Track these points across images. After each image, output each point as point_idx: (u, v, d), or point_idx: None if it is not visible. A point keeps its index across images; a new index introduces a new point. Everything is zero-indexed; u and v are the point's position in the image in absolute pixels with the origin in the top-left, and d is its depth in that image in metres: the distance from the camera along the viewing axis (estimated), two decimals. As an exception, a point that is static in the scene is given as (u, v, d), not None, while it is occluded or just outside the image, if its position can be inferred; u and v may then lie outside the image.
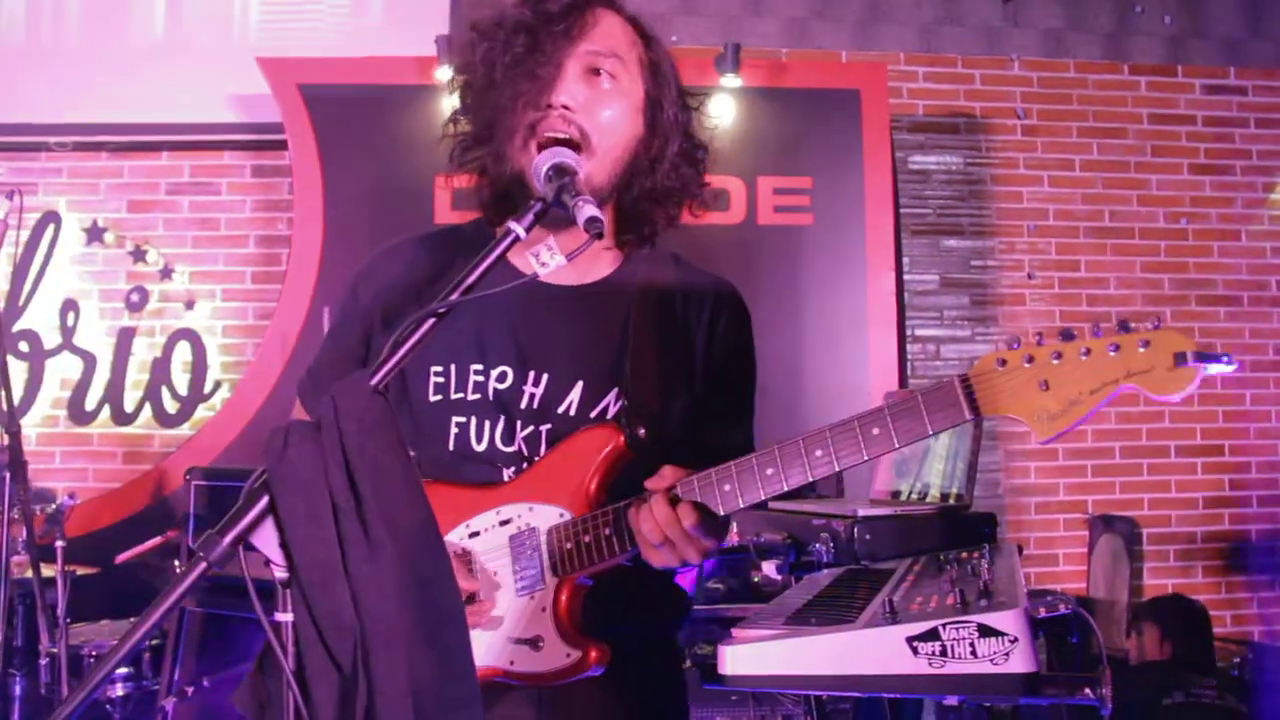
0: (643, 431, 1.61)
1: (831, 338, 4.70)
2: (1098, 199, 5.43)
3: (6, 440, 2.97)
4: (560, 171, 1.46)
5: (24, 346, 5.03)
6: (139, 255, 5.03)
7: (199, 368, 4.94)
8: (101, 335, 5.02)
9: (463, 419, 1.66)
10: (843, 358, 4.70)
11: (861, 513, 2.51)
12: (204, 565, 1.22)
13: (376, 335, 1.71)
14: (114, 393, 4.98)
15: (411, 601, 1.26)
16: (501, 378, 1.65)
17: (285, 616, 1.25)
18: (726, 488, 1.46)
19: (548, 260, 1.31)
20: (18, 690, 3.45)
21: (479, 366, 1.66)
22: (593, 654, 1.54)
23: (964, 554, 2.05)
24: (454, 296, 1.29)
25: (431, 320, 1.27)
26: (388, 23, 5.06)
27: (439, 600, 1.30)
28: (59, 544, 3.11)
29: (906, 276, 5.13)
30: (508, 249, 1.35)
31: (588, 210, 1.37)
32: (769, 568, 2.67)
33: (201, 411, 4.93)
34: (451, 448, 1.66)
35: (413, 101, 4.66)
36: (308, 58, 4.82)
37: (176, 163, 5.12)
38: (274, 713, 1.57)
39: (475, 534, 1.62)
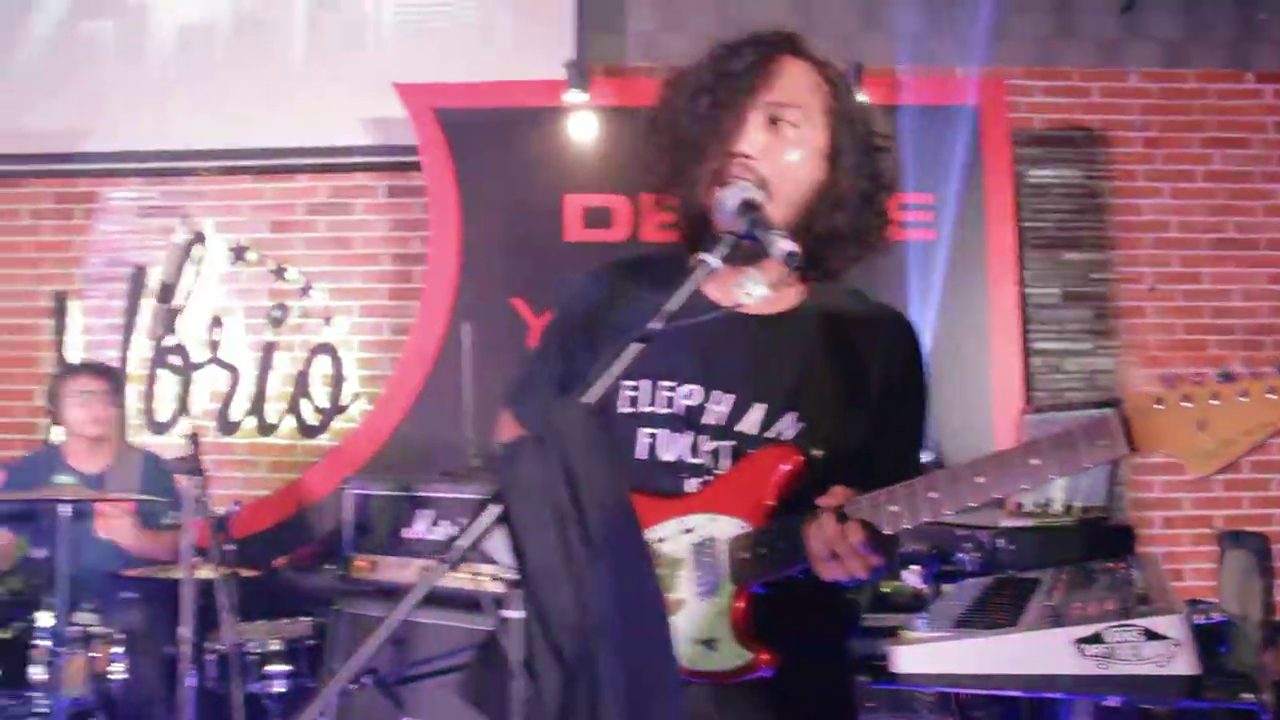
0: (819, 453, 1.71)
1: (954, 352, 4.75)
2: (1221, 210, 5.39)
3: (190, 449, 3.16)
4: (748, 206, 1.59)
5: (175, 360, 5.31)
6: (280, 273, 5.27)
7: (338, 381, 5.16)
8: (246, 349, 5.27)
9: (652, 432, 1.78)
10: (966, 372, 4.75)
11: (1005, 523, 2.58)
12: (446, 567, 1.35)
13: (577, 353, 1.85)
14: (258, 404, 5.22)
15: (624, 601, 1.39)
16: (689, 395, 1.77)
17: (515, 613, 1.38)
18: (893, 509, 1.54)
19: (752, 291, 1.43)
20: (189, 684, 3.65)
21: (669, 384, 1.77)
22: (764, 657, 1.63)
23: (1109, 564, 2.11)
24: (659, 324, 1.43)
25: (640, 345, 1.41)
26: (515, 46, 5.22)
27: (647, 600, 1.43)
28: (227, 548, 3.30)
29: (1027, 290, 5.15)
30: (704, 279, 1.48)
31: (785, 245, 1.49)
32: (911, 576, 2.75)
33: (340, 423, 5.15)
34: (640, 457, 1.78)
35: (543, 122, 4.85)
36: (443, 83, 5.02)
37: (315, 184, 5.35)
38: (493, 702, 1.72)
39: (661, 540, 1.74)
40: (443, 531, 3.68)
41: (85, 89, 5.52)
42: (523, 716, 1.39)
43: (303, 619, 4.20)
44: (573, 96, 4.77)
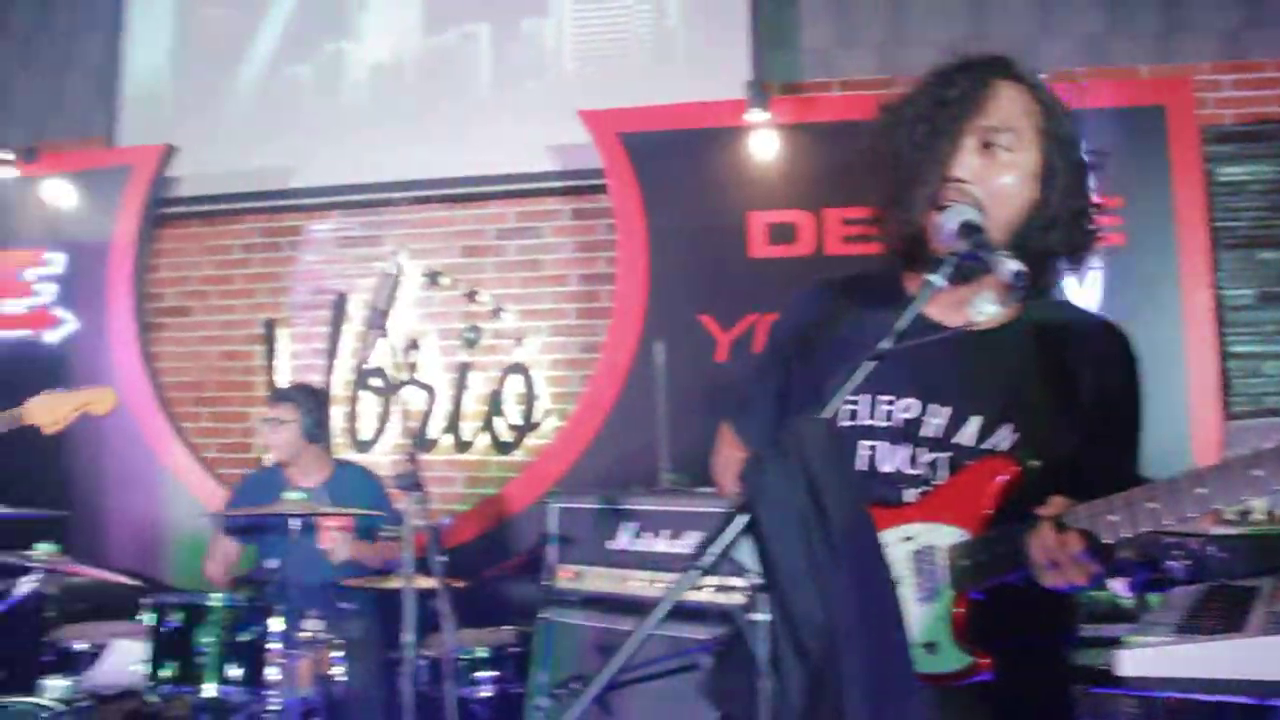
0: (1035, 463, 1.75)
1: (1147, 358, 4.62)
2: None
3: (410, 465, 3.35)
4: (970, 229, 1.66)
5: (376, 382, 5.60)
6: (472, 296, 5.50)
7: (530, 399, 5.35)
8: (441, 370, 5.52)
9: (871, 444, 1.85)
10: (1160, 379, 4.61)
11: (1215, 531, 2.56)
12: (698, 573, 1.45)
13: (796, 369, 1.94)
14: (454, 423, 5.46)
15: (864, 605, 1.47)
16: (907, 409, 1.83)
17: (761, 616, 1.48)
18: (1112, 518, 1.57)
19: (984, 310, 1.51)
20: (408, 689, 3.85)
21: (888, 398, 1.84)
22: (984, 661, 1.68)
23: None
24: (889, 343, 1.52)
25: (873, 364, 1.50)
26: (692, 66, 5.33)
27: (884, 604, 1.51)
28: (440, 559, 3.48)
29: (1221, 292, 5.01)
30: (928, 299, 1.57)
31: (1013, 265, 1.57)
32: (1118, 585, 2.74)
33: (532, 439, 5.34)
34: (860, 469, 1.85)
35: (724, 142, 4.96)
36: (625, 108, 5.18)
37: (503, 210, 5.56)
38: (736, 702, 1.83)
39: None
40: (645, 543, 3.80)
41: (288, 130, 5.88)
42: (768, 714, 1.48)
43: (506, 628, 4.40)
44: (753, 115, 4.86)
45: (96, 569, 4.44)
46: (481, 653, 4.09)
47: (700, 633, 3.29)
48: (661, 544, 3.77)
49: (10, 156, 5.98)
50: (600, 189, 5.29)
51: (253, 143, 5.92)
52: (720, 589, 3.37)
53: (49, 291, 6.13)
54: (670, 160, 5.06)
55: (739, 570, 1.50)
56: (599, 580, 3.90)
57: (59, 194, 6.05)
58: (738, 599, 3.39)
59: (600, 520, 3.93)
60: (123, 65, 6.16)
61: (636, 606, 3.81)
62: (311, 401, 4.61)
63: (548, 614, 4.00)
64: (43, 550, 4.16)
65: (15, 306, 6.18)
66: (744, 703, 1.73)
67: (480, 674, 4.08)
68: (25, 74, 6.39)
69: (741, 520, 1.47)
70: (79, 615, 4.90)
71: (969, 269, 1.64)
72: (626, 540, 3.86)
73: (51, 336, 6.10)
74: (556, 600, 4.02)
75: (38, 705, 3.70)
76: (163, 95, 6.16)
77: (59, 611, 4.72)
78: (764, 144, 4.93)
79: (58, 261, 6.13)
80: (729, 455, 2.08)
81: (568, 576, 3.98)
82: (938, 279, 1.59)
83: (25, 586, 4.17)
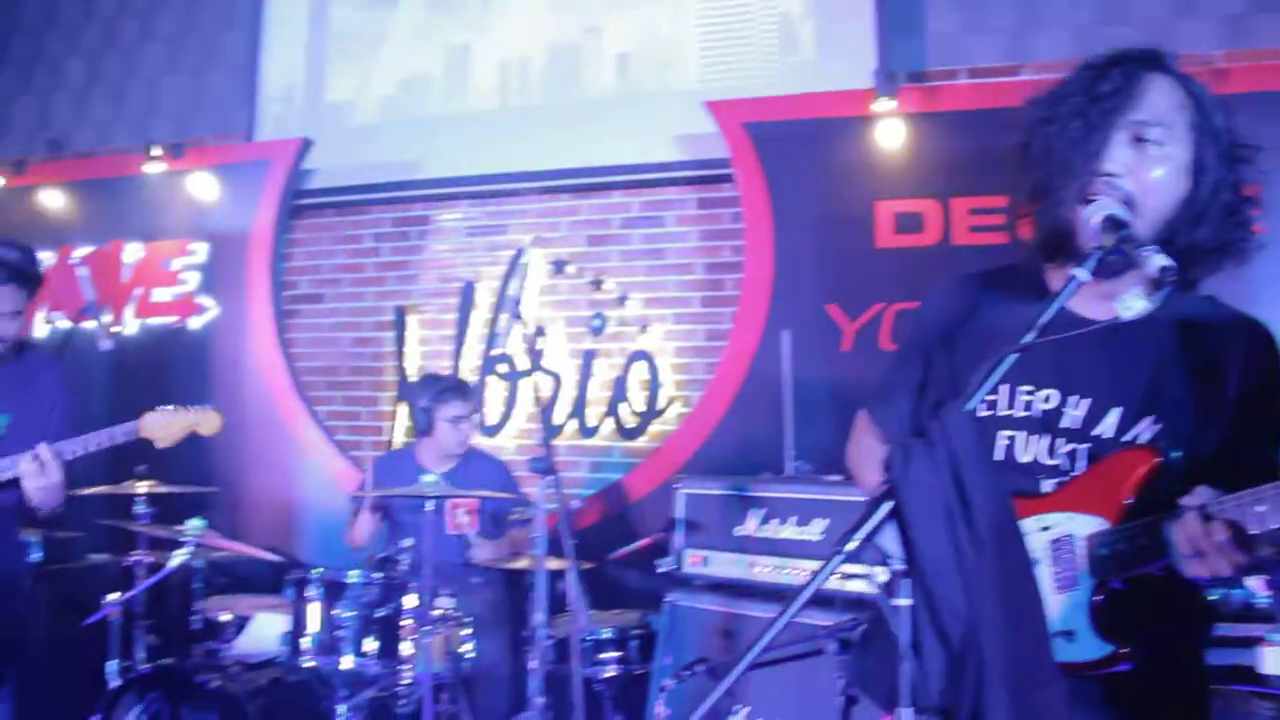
0: (1177, 454, 1.75)
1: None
2: None
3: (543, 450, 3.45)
4: (1115, 224, 1.66)
5: (502, 369, 5.72)
6: (597, 285, 5.58)
7: (654, 386, 5.40)
8: (566, 357, 5.61)
9: (1010, 434, 1.86)
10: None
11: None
12: (839, 559, 1.49)
13: (937, 360, 1.95)
14: (579, 409, 5.55)
15: (1007, 592, 1.50)
16: (1047, 399, 1.84)
17: (903, 601, 1.51)
18: (1260, 509, 1.55)
19: (1132, 305, 1.52)
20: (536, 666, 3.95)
21: (1028, 388, 1.85)
22: (1122, 651, 1.68)
23: None
24: (1033, 336, 1.54)
25: (1016, 356, 1.52)
26: (816, 56, 5.33)
27: (1025, 591, 1.53)
28: (570, 542, 3.56)
29: (1377, 280, 4.82)
30: (1073, 293, 1.58)
31: (1160, 260, 1.57)
32: (1257, 583, 2.70)
33: (656, 426, 5.39)
34: (998, 459, 1.86)
35: (851, 132, 4.93)
36: (751, 98, 5.18)
37: (627, 199, 5.61)
38: (877, 684, 1.87)
39: None
40: (772, 530, 3.84)
41: (418, 123, 6.03)
42: (910, 696, 1.51)
43: (631, 611, 4.48)
44: (880, 105, 4.84)
45: (240, 544, 4.64)
46: (607, 634, 4.16)
47: (825, 619, 3.31)
48: (789, 530, 3.80)
49: (159, 153, 6.26)
50: (725, 178, 5.31)
51: (384, 136, 6.09)
52: (847, 576, 3.38)
53: (193, 280, 6.40)
54: (796, 150, 5.05)
55: (881, 557, 1.54)
56: (725, 565, 3.95)
57: (203, 187, 6.31)
58: (862, 586, 3.41)
59: (727, 506, 3.98)
60: (261, 63, 6.38)
61: (762, 592, 3.86)
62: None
63: (673, 597, 4.06)
64: (192, 525, 4.37)
65: (163, 295, 6.46)
66: (884, 686, 1.77)
67: (605, 655, 4.16)
68: (172, 74, 6.66)
69: (886, 508, 1.50)
70: (223, 588, 5.13)
71: (1115, 264, 1.64)
72: (753, 526, 3.90)
73: (195, 323, 6.36)
74: (682, 584, 4.08)
75: (193, 668, 3.89)
76: (299, 91, 6.37)
77: (206, 584, 4.94)
78: (890, 133, 4.89)
79: (201, 251, 6.39)
80: (867, 444, 2.11)
81: (694, 561, 4.03)
82: (1083, 273, 1.60)
83: (177, 559, 4.39)
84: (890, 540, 1.52)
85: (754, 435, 4.83)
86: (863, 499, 2.14)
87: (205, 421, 3.37)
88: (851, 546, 1.49)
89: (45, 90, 7.13)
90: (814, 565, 3.64)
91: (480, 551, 4.49)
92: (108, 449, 3.28)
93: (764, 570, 3.84)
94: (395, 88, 6.14)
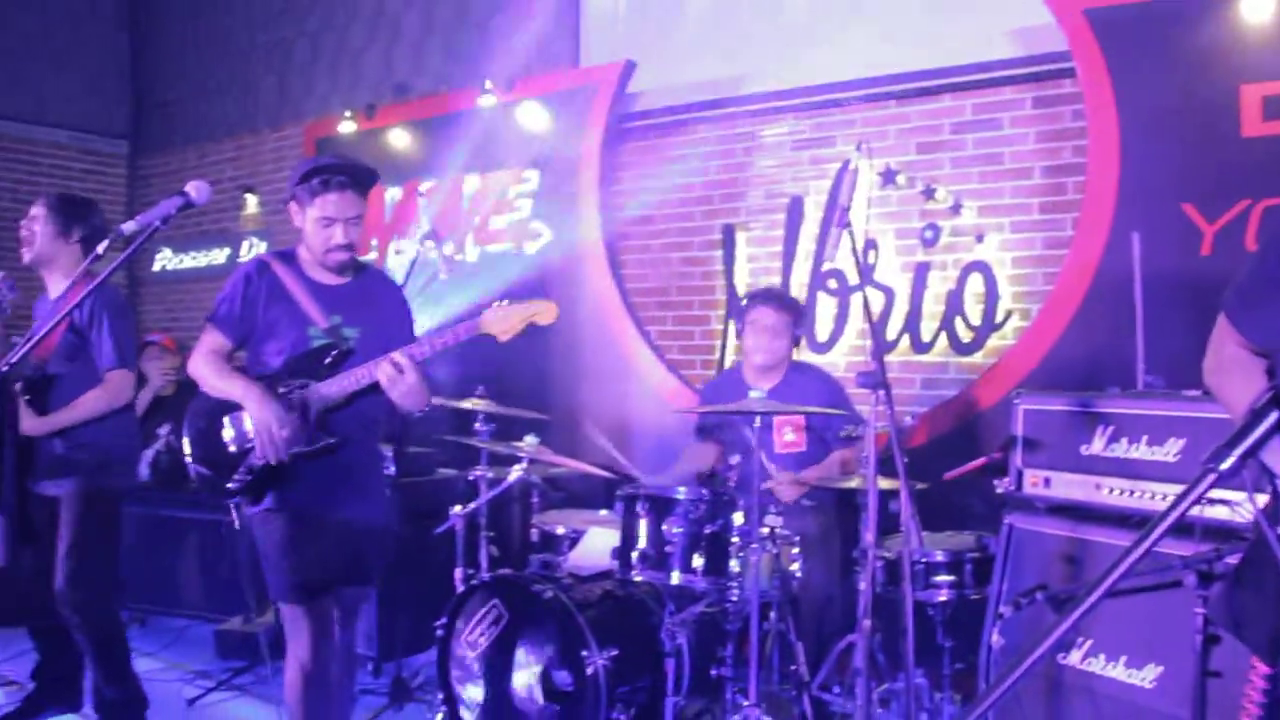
0: None
1: None
2: None
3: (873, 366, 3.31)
4: None
5: (832, 284, 5.60)
6: (929, 194, 5.34)
7: (990, 298, 5.13)
8: (898, 271, 5.42)
9: None
10: None
11: None
12: (1213, 477, 1.31)
13: None
14: (912, 324, 5.36)
15: None
16: None
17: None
18: None
19: None
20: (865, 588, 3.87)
21: None
22: None
23: None
24: None
25: None
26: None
27: None
28: (903, 461, 3.42)
29: None
30: None
31: None
32: None
33: (993, 340, 5.13)
34: None
35: (1207, 9, 4.42)
36: (1090, -16, 4.76)
37: (959, 103, 5.31)
38: (1254, 627, 1.67)
39: None
40: (1122, 449, 3.56)
41: (739, 38, 5.95)
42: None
43: (966, 533, 4.29)
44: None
45: (573, 460, 4.80)
46: (940, 556, 4.01)
47: (1182, 548, 3.04)
48: (1140, 450, 3.51)
49: (490, 87, 6.52)
50: (1063, 73, 4.93)
51: (705, 53, 6.05)
52: (1208, 501, 3.08)
53: (526, 208, 6.65)
54: (1143, 34, 4.59)
55: (1262, 478, 1.35)
56: (1069, 487, 3.69)
57: (533, 117, 6.52)
58: (1224, 513, 3.11)
59: (1072, 423, 3.71)
60: (583, -10, 6.50)
61: (1109, 516, 3.59)
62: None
63: (1012, 520, 3.85)
64: (528, 442, 4.56)
65: (499, 222, 6.77)
66: (1262, 630, 1.57)
67: (938, 578, 4.01)
68: (500, 13, 6.90)
69: (1272, 418, 1.31)
70: (558, 503, 5.35)
71: None
72: (1100, 445, 3.62)
73: (530, 248, 6.62)
74: (1022, 506, 3.87)
75: (528, 579, 4.06)
76: (620, 15, 6.42)
77: (543, 499, 5.17)
78: (1258, 6, 4.33)
79: (533, 179, 6.62)
80: (1229, 354, 1.88)
81: (1035, 482, 3.80)
82: None
83: (515, 474, 4.60)
84: (1276, 457, 1.33)
85: (1100, 348, 4.49)
86: (1225, 416, 1.91)
87: (543, 311, 3.33)
88: (1228, 465, 1.32)
89: (388, 41, 7.62)
90: (1167, 489, 3.39)
91: (784, 491, 4.40)
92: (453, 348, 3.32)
93: (1111, 493, 3.56)
94: (714, 3, 6.06)
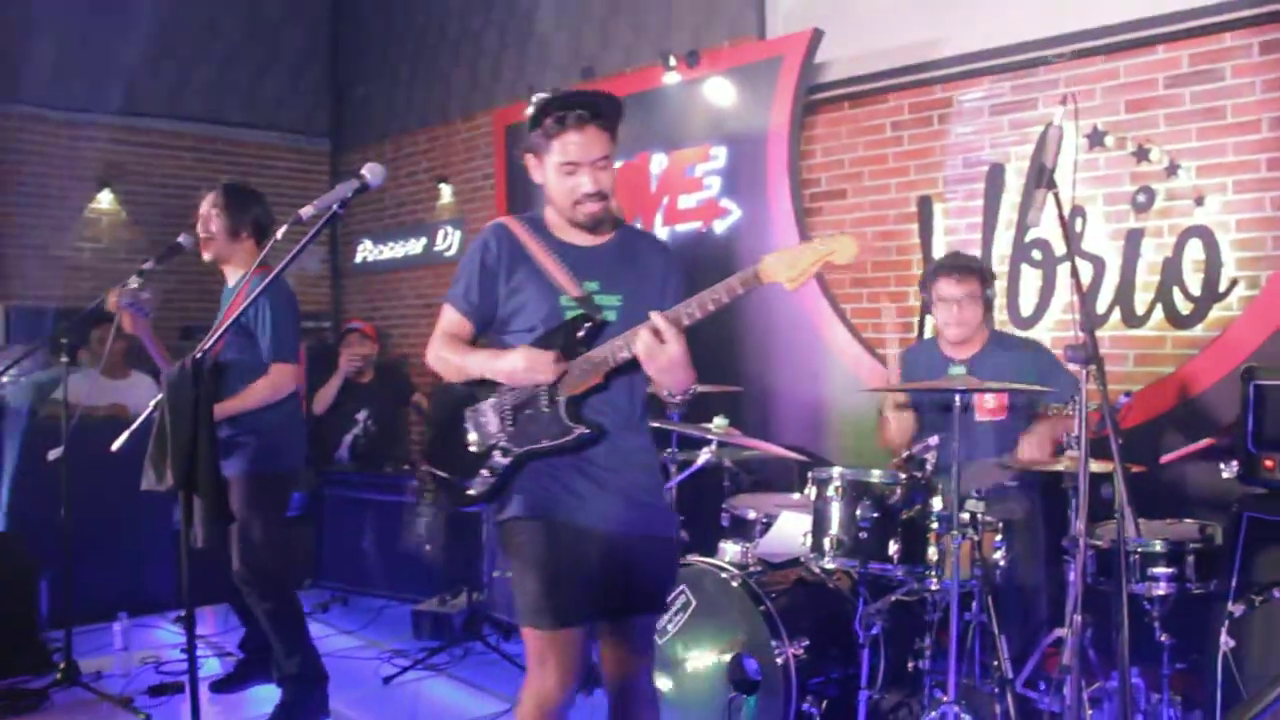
0: None
1: None
2: None
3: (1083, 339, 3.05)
4: None
5: (1036, 255, 5.29)
6: (1141, 155, 4.97)
7: (1212, 265, 4.73)
8: (1108, 239, 5.07)
9: None
10: None
11: None
12: None
13: None
14: (1124, 295, 5.00)
15: None
16: None
17: None
18: None
19: None
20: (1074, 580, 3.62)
21: None
22: None
23: None
24: None
25: None
26: None
27: None
28: (1117, 442, 3.15)
29: None
30: None
31: None
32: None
33: (1216, 312, 4.73)
34: None
35: None
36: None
37: (1173, 54, 4.90)
38: None
39: None
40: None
41: (931, 2, 5.67)
42: None
43: (1188, 521, 3.98)
44: None
45: (764, 443, 4.68)
46: (1158, 546, 3.71)
47: None
48: None
49: (675, 63, 6.44)
50: (1291, 15, 4.50)
51: (895, 18, 5.81)
52: None
53: (715, 185, 6.54)
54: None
55: None
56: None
57: (718, 92, 6.41)
58: None
59: (1310, 402, 3.39)
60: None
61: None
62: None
63: (1241, 507, 3.54)
64: (717, 424, 4.46)
65: (687, 201, 6.68)
66: None
67: (1156, 570, 3.71)
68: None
69: None
70: (749, 487, 5.23)
71: None
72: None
73: (719, 226, 6.51)
74: (1253, 492, 3.54)
75: (717, 566, 3.98)
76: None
77: (734, 482, 5.06)
78: None
79: (721, 156, 6.51)
80: None
81: (1270, 466, 3.48)
82: None
83: (704, 456, 4.51)
84: None
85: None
86: None
87: (840, 249, 2.72)
88: None
89: (575, 24, 7.62)
90: None
91: (1025, 450, 4.13)
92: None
93: None
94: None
